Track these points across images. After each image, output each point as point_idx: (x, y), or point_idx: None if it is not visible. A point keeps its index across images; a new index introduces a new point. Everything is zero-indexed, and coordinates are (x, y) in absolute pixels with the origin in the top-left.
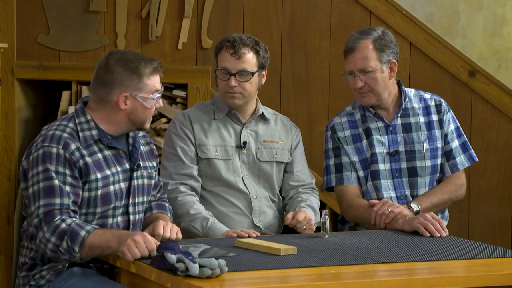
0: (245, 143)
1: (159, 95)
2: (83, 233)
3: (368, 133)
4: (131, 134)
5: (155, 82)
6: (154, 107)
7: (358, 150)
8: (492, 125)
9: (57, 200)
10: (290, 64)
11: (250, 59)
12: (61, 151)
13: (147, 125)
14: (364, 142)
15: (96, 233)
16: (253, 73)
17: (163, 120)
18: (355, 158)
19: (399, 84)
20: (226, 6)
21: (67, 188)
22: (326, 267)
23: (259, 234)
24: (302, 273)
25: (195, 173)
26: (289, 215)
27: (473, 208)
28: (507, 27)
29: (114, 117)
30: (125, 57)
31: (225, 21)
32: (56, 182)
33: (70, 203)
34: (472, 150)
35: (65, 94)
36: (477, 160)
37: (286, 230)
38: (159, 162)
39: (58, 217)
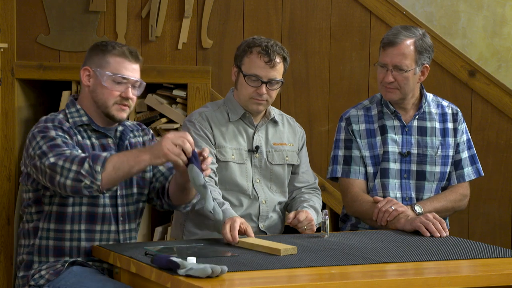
0: (257, 147)
1: (123, 80)
2: (104, 154)
3: (383, 130)
4: (119, 128)
5: (119, 65)
6: (115, 91)
7: (371, 146)
8: (492, 125)
9: (65, 148)
10: (290, 64)
11: (280, 67)
12: (57, 124)
13: (113, 112)
14: (378, 138)
15: (118, 155)
16: (282, 82)
17: (163, 120)
18: (367, 153)
19: (420, 87)
20: (226, 6)
21: (72, 143)
22: (326, 267)
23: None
24: (302, 273)
25: (216, 172)
26: (291, 215)
27: (473, 208)
28: (507, 27)
29: (86, 100)
30: (105, 40)
31: (225, 21)
32: (59, 140)
33: (79, 150)
34: (480, 164)
35: (65, 94)
36: (483, 174)
37: (287, 229)
38: None
39: (74, 153)
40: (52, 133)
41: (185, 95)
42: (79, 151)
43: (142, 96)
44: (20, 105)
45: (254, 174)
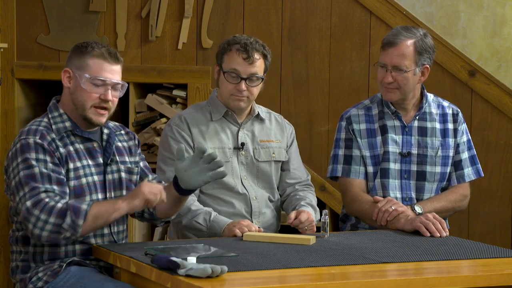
0: (243, 144)
1: (102, 82)
2: (84, 206)
3: (383, 130)
4: (105, 130)
5: (98, 67)
6: (94, 93)
7: (371, 146)
8: (492, 125)
9: (40, 184)
10: (290, 64)
11: (260, 64)
12: (39, 141)
13: (90, 115)
14: (379, 138)
15: (96, 204)
16: (262, 79)
17: (163, 120)
18: (367, 153)
19: (421, 88)
20: (226, 6)
21: (50, 173)
22: (326, 267)
23: (261, 229)
24: (302, 273)
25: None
26: (292, 215)
27: (473, 208)
28: (507, 27)
29: (68, 101)
30: (86, 41)
31: (225, 21)
32: (37, 169)
33: (54, 187)
34: (480, 165)
35: None
36: (483, 175)
37: (283, 229)
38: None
39: (49, 200)
40: (32, 155)
41: (185, 95)
42: (55, 183)
43: (142, 96)
44: (20, 105)
45: (241, 171)
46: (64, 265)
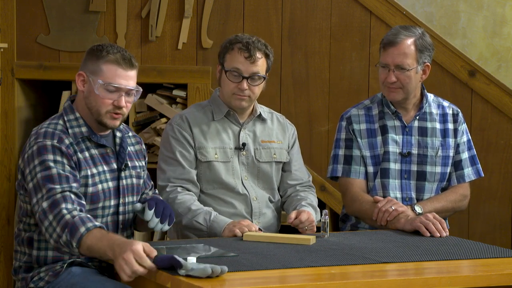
0: (244, 144)
1: (115, 88)
2: (82, 229)
3: (384, 130)
4: (118, 134)
5: (112, 72)
6: (107, 99)
7: (371, 146)
8: (492, 125)
9: (57, 186)
10: (290, 64)
11: (262, 63)
12: (56, 144)
13: (105, 120)
14: (379, 138)
15: (95, 236)
16: (264, 78)
17: (163, 120)
18: (367, 153)
19: (421, 87)
20: (226, 6)
21: (68, 174)
22: (326, 267)
23: (262, 229)
24: (302, 273)
25: (194, 177)
26: (292, 215)
27: (473, 208)
28: (507, 27)
29: (81, 104)
30: (101, 44)
31: (225, 21)
32: (54, 170)
33: (72, 184)
34: (480, 165)
35: (65, 94)
36: (483, 175)
37: (283, 228)
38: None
39: (63, 206)
40: (50, 157)
41: (185, 95)
42: (72, 182)
43: (142, 96)
44: (20, 105)
45: (242, 172)
46: (65, 265)
